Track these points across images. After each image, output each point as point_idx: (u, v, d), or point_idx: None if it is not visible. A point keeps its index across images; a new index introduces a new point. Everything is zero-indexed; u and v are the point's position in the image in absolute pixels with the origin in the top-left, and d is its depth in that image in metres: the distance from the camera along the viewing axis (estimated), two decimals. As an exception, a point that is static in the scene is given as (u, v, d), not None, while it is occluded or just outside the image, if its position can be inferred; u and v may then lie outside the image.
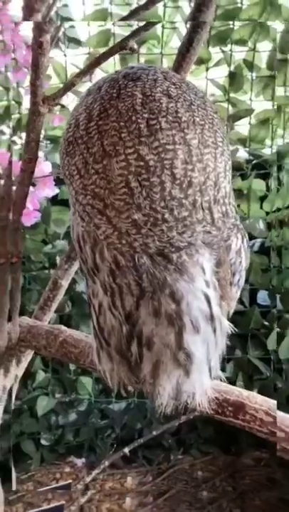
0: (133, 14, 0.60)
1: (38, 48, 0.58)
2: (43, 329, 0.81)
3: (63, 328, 0.80)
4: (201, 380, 0.61)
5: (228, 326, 0.63)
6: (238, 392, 0.64)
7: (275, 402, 0.63)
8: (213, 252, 0.58)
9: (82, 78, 0.58)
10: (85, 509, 1.63)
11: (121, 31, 1.42)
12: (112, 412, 1.70)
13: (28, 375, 1.51)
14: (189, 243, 0.55)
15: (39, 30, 0.56)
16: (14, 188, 0.70)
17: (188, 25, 1.39)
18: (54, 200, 1.37)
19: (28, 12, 0.55)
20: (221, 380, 0.65)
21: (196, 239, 0.55)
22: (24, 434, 1.65)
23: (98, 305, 0.61)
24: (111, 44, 1.39)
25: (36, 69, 0.60)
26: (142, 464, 1.81)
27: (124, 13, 1.29)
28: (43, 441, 1.67)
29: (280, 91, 1.41)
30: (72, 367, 1.58)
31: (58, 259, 1.43)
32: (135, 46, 0.56)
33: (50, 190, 0.83)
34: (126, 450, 1.54)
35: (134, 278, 0.56)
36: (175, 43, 1.47)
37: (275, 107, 1.43)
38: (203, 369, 0.61)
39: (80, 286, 1.52)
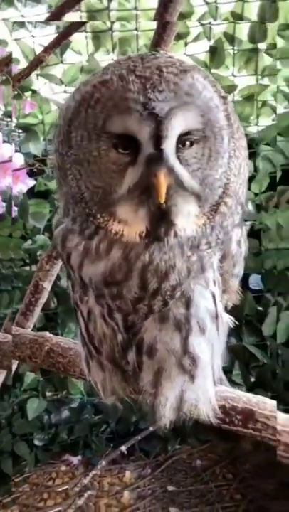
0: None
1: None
2: (26, 338, 0.75)
3: (48, 335, 0.74)
4: (205, 386, 0.56)
5: (228, 320, 0.59)
6: (246, 399, 0.58)
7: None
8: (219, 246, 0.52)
9: (50, 53, 0.49)
10: (83, 507, 1.59)
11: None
12: (106, 407, 1.64)
13: (16, 377, 1.44)
14: None
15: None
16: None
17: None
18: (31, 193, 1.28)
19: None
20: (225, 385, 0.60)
21: None
22: (16, 436, 1.58)
23: (87, 312, 0.55)
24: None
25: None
26: (139, 456, 1.77)
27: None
28: (36, 442, 1.62)
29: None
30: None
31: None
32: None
33: (24, 185, 0.75)
34: (123, 448, 1.50)
35: None
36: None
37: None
38: (208, 372, 0.56)
39: (65, 281, 1.44)
